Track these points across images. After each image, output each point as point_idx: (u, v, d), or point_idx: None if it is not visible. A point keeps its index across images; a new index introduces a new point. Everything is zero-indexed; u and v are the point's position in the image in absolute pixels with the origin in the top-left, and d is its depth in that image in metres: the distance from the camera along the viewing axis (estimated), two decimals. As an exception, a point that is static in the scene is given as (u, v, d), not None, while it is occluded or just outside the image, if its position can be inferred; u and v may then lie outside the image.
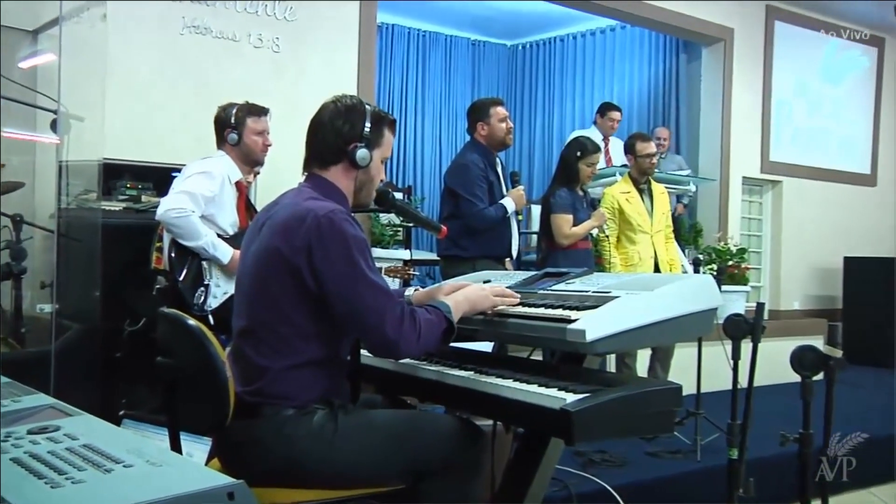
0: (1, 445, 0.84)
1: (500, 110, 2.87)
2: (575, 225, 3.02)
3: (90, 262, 2.28)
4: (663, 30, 5.20)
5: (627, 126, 5.19)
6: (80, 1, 2.34)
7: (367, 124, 1.41)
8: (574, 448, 2.46)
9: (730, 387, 1.98)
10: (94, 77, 2.44)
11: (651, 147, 3.27)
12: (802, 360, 1.76)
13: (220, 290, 2.22)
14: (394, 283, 2.95)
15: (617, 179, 3.57)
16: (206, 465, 1.39)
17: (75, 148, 2.29)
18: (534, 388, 1.27)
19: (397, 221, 3.77)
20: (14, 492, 0.71)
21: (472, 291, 1.47)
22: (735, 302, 3.95)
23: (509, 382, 1.32)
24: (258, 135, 2.36)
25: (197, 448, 1.82)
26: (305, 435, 1.29)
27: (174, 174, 2.43)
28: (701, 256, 4.00)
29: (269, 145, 2.40)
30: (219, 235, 2.26)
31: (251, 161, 2.39)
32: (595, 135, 4.33)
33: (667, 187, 3.63)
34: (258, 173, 2.55)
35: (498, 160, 2.94)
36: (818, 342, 4.24)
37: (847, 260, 5.32)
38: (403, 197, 4.43)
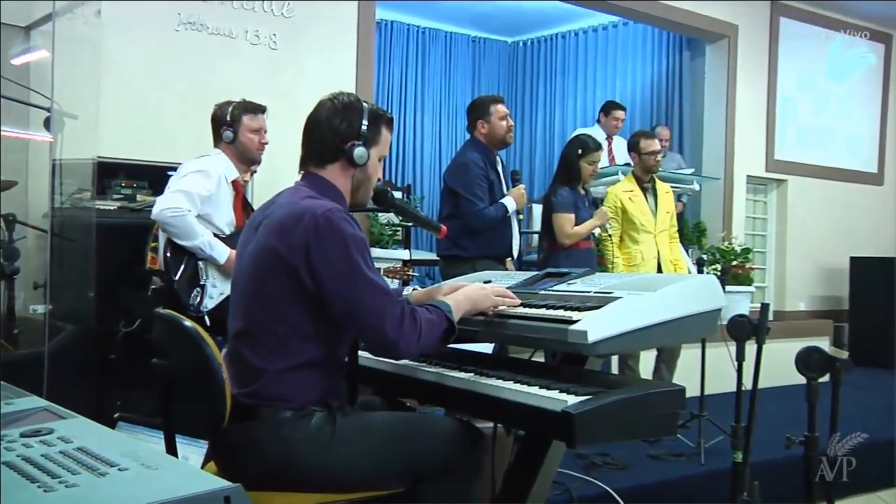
0: (-6, 449, 0.83)
1: (501, 108, 2.85)
2: (577, 224, 3.00)
3: (84, 262, 2.28)
4: (666, 26, 5.18)
5: (630, 124, 5.17)
6: (74, -3, 2.32)
7: (365, 122, 1.41)
8: (576, 451, 2.45)
9: (734, 389, 1.96)
10: (88, 74, 2.44)
11: (655, 144, 3.24)
12: (808, 361, 1.75)
13: (216, 290, 2.21)
14: (393, 284, 2.93)
15: (619, 178, 3.55)
16: (202, 468, 1.38)
17: (69, 146, 2.28)
18: (535, 389, 1.27)
19: (396, 221, 3.76)
20: (7, 496, 0.70)
21: (472, 291, 1.46)
22: (739, 302, 3.93)
23: (510, 384, 1.32)
24: (254, 132, 2.34)
25: (193, 451, 1.81)
26: (303, 437, 1.28)
27: (170, 173, 2.41)
28: (704, 256, 3.96)
29: (266, 143, 2.39)
30: (215, 235, 2.25)
31: (247, 159, 2.38)
32: (598, 133, 4.31)
33: (670, 186, 3.60)
34: (255, 172, 2.54)
35: (498, 159, 2.92)
36: (824, 343, 4.18)
37: (853, 260, 5.28)
38: (402, 196, 4.42)
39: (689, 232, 4.60)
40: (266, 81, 3.23)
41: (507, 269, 2.80)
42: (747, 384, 1.91)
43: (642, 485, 2.36)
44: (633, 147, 3.29)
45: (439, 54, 6.62)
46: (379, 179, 1.50)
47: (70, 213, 2.41)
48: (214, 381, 1.25)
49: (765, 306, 1.95)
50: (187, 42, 3.10)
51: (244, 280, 1.37)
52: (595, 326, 1.28)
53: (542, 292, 1.57)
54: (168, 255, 2.18)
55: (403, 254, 3.63)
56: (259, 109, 2.36)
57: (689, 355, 3.08)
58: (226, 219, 2.30)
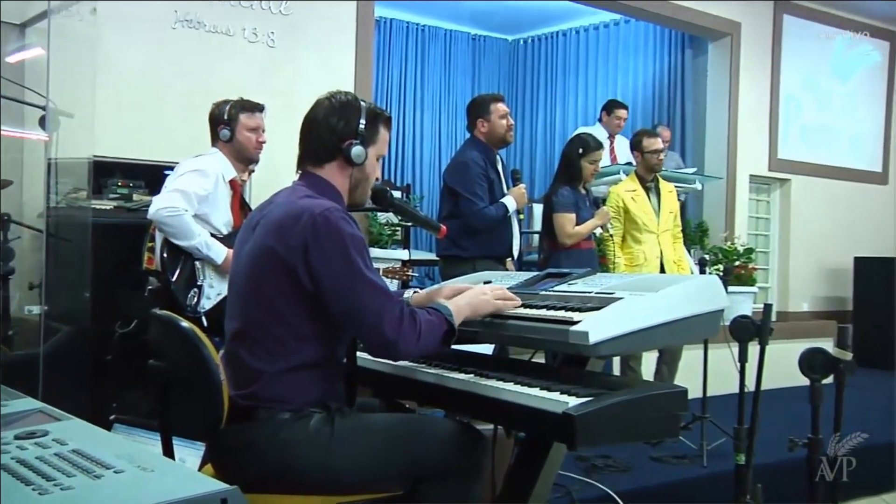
0: (-12, 451, 0.83)
1: (501, 107, 2.84)
2: (578, 224, 2.98)
3: (80, 262, 2.27)
4: (668, 24, 5.15)
5: (632, 122, 5.15)
6: (70, -6, 2.31)
7: (362, 121, 1.40)
8: (577, 453, 2.45)
9: (736, 390, 1.95)
10: (83, 72, 2.43)
11: (658, 143, 3.22)
12: (811, 362, 1.74)
13: (213, 291, 2.20)
14: (392, 284, 2.92)
15: (620, 178, 3.53)
16: (199, 470, 1.36)
17: (64, 145, 2.27)
18: (535, 391, 1.26)
19: (395, 221, 3.75)
20: (1, 499, 0.70)
21: (473, 296, 1.46)
22: (742, 303, 3.92)
23: (510, 386, 1.31)
24: (251, 131, 2.33)
25: (190, 453, 1.80)
26: (301, 439, 1.27)
27: (167, 172, 2.40)
28: (707, 256, 3.96)
29: (264, 142, 2.37)
30: (212, 235, 2.23)
31: (245, 158, 2.36)
32: (600, 132, 4.29)
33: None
34: (253, 171, 2.52)
35: (498, 158, 2.91)
36: (828, 344, 4.20)
37: (857, 260, 5.26)
38: (402, 195, 4.41)
39: (692, 232, 4.58)
40: (264, 80, 3.21)
41: (507, 270, 2.79)
42: (750, 386, 1.90)
43: (644, 487, 2.35)
44: (635, 146, 3.27)
45: (439, 52, 6.61)
46: (377, 179, 1.50)
47: (66, 212, 2.40)
48: (212, 382, 1.24)
49: (768, 307, 1.94)
50: (184, 40, 3.09)
51: (241, 280, 1.36)
52: (596, 327, 1.28)
53: (543, 293, 1.57)
54: (165, 255, 2.18)
55: (403, 254, 3.62)
56: (256, 108, 2.35)
57: (691, 356, 3.06)
58: (223, 219, 2.29)
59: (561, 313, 1.38)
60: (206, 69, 3.11)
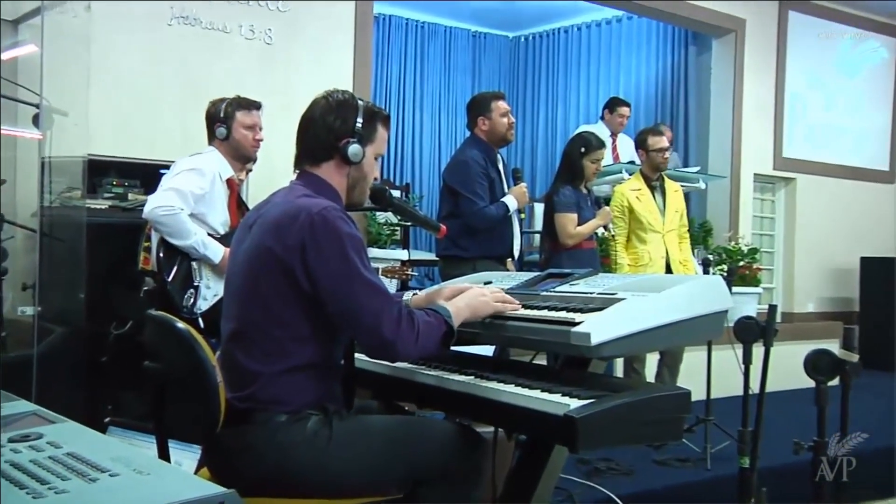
0: (-17, 455, 0.83)
1: (502, 105, 2.83)
2: (580, 224, 2.96)
3: (74, 262, 2.26)
4: (671, 21, 5.12)
5: (634, 120, 5.13)
6: (63, -10, 2.29)
7: (360, 120, 1.40)
8: (578, 456, 2.45)
9: (741, 392, 1.94)
10: (78, 69, 2.42)
11: (663, 141, 3.20)
12: (817, 364, 1.74)
13: (210, 291, 2.18)
14: (391, 285, 2.90)
15: (623, 177, 3.51)
16: (196, 473, 1.36)
17: (59, 143, 2.27)
18: (536, 393, 1.25)
19: (395, 220, 3.74)
20: None
21: (473, 298, 1.45)
22: (746, 304, 3.90)
23: (511, 388, 1.30)
24: (248, 129, 2.31)
25: (186, 456, 1.80)
26: (299, 442, 1.26)
27: (162, 171, 2.39)
28: (711, 256, 3.93)
29: (261, 140, 2.36)
30: (209, 234, 2.22)
31: (241, 157, 2.35)
32: (602, 131, 4.26)
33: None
34: (251, 171, 2.51)
35: (499, 156, 2.90)
36: (833, 346, 4.14)
37: (864, 260, 5.22)
38: (401, 195, 4.40)
39: (695, 231, 4.55)
40: (261, 77, 3.20)
41: (507, 270, 2.78)
42: (754, 387, 1.89)
43: (647, 491, 2.34)
44: (640, 144, 3.25)
45: (439, 49, 6.59)
46: (376, 178, 1.49)
47: (60, 212, 2.39)
48: (208, 384, 1.23)
49: (772, 308, 1.93)
50: (180, 37, 3.07)
51: (238, 280, 1.35)
52: (598, 328, 1.26)
53: (544, 293, 1.56)
54: (161, 255, 2.16)
55: (402, 254, 3.61)
56: (253, 105, 2.34)
57: (694, 358, 3.04)
58: (220, 218, 2.27)
59: (562, 314, 1.37)
60: (203, 67, 3.09)
